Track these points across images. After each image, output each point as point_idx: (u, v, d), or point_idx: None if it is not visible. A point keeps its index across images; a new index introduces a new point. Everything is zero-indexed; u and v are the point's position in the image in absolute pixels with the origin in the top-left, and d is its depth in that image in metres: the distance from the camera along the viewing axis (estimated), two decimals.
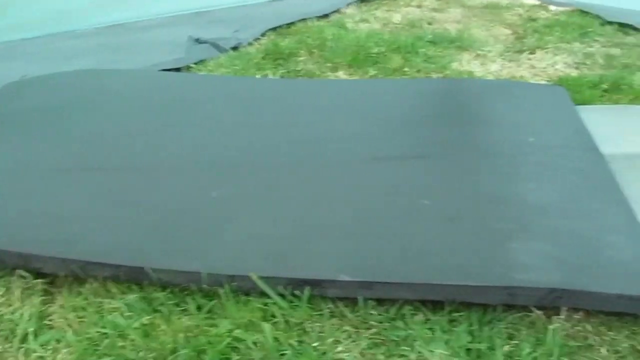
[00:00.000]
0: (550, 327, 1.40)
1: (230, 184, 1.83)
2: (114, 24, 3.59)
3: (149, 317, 1.45)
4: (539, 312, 1.45)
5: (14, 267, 1.61)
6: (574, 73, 2.83)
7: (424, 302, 1.47)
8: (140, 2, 3.56)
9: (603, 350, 1.38)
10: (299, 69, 2.87)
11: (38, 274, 1.60)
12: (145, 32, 3.51)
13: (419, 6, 3.83)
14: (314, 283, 1.45)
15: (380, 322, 1.43)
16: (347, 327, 1.42)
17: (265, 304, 1.46)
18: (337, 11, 3.70)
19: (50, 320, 1.50)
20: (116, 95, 2.50)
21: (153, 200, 1.77)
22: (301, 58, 2.97)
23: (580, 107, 2.35)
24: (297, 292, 1.46)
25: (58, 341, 1.43)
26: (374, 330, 1.42)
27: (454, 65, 2.91)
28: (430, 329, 1.42)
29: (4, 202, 1.79)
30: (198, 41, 3.27)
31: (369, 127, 2.16)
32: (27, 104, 2.48)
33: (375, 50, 2.97)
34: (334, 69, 2.84)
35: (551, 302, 1.43)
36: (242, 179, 1.86)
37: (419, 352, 1.36)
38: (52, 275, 1.59)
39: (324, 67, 2.86)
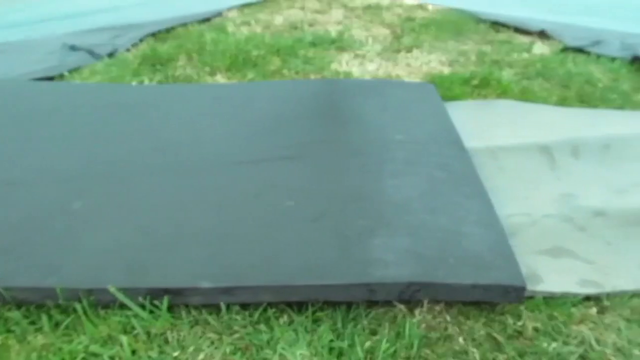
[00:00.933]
0: (411, 320, 1.44)
1: (90, 195, 1.77)
2: None
3: (0, 338, 1.39)
4: (402, 307, 1.49)
5: None
6: (447, 70, 2.93)
7: (289, 304, 1.48)
8: (12, 7, 3.39)
9: (461, 340, 1.43)
10: (177, 74, 2.82)
11: None
12: (13, 38, 3.36)
13: (301, 8, 3.86)
14: (174, 292, 1.43)
15: (244, 327, 1.43)
16: (210, 334, 1.41)
17: (127, 317, 1.43)
18: (219, 15, 3.67)
19: None
20: None
21: (7, 215, 1.69)
22: (180, 63, 2.93)
23: (449, 104, 2.44)
24: (157, 303, 1.43)
25: None
26: (237, 335, 1.41)
27: (333, 66, 2.95)
28: (294, 330, 1.43)
29: None
30: (73, 48, 3.16)
31: (239, 130, 2.16)
32: None
33: (255, 53, 2.97)
34: (212, 73, 2.82)
35: (410, 295, 1.47)
36: (104, 189, 1.81)
37: (281, 354, 1.37)
38: None
39: (203, 71, 2.83)
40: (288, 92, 2.50)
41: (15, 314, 1.44)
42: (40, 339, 1.38)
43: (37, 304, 1.45)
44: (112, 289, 1.41)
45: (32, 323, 1.43)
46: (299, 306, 1.48)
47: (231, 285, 1.44)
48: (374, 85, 2.61)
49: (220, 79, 2.76)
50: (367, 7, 3.91)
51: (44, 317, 1.42)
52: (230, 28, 3.38)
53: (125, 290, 1.42)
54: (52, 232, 1.61)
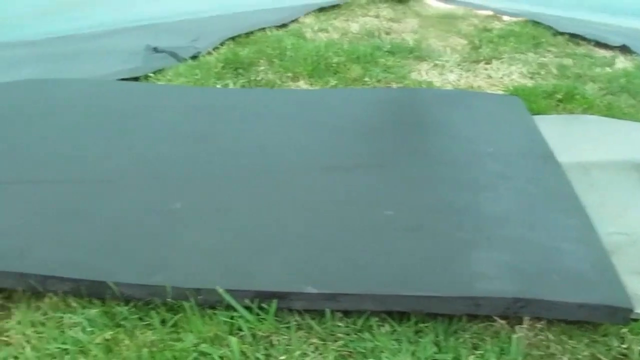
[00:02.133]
0: (514, 336, 1.43)
1: (188, 196, 1.80)
2: (67, 33, 3.50)
3: (111, 332, 1.42)
4: (503, 322, 1.48)
5: None
6: (529, 83, 2.89)
7: (390, 313, 1.48)
8: (94, 11, 3.48)
9: (565, 359, 1.41)
10: (259, 78, 2.85)
11: None
12: (99, 40, 3.44)
13: (376, 16, 3.86)
14: (280, 296, 1.44)
15: (347, 334, 1.44)
16: (314, 340, 1.42)
17: (232, 318, 1.44)
18: (295, 21, 3.70)
19: (6, 336, 1.45)
20: (69, 105, 2.43)
21: (108, 212, 1.73)
22: (261, 68, 2.96)
23: (536, 117, 2.41)
24: (263, 305, 1.45)
25: (16, 358, 1.39)
26: (341, 342, 1.42)
27: (413, 75, 2.95)
28: (396, 340, 1.43)
29: None
30: (155, 50, 3.22)
31: (325, 136, 2.16)
32: None
33: (335, 60, 2.98)
34: (295, 79, 2.84)
35: (515, 311, 1.45)
36: (200, 190, 1.83)
37: None
38: (8, 290, 1.55)
39: (285, 76, 2.86)
40: (372, 100, 2.51)
41: (124, 309, 1.48)
42: (149, 335, 1.41)
43: (144, 301, 1.48)
44: (220, 290, 1.43)
45: (140, 319, 1.46)
46: (400, 316, 1.48)
47: (336, 292, 1.45)
48: (459, 96, 2.60)
49: (302, 84, 2.78)
50: (442, 17, 3.89)
51: (154, 314, 1.45)
52: (308, 34, 3.40)
53: (232, 292, 1.44)
54: (155, 231, 1.65)
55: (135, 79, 2.92)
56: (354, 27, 3.59)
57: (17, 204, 1.76)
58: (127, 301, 1.49)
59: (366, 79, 2.83)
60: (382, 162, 2.00)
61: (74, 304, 1.50)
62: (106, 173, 1.91)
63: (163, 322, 1.45)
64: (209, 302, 1.46)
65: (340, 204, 1.78)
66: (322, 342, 1.42)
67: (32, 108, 2.41)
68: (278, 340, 1.41)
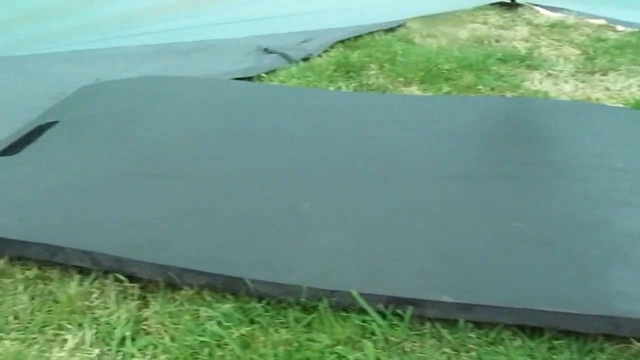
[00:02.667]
0: None
1: (315, 197, 1.82)
2: (180, 29, 3.60)
3: (247, 328, 1.45)
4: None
5: (107, 270, 1.63)
6: None
7: (522, 328, 1.45)
8: (206, 10, 3.56)
9: None
10: (370, 82, 2.86)
11: (131, 278, 1.62)
12: (211, 38, 3.53)
13: (484, 23, 3.81)
14: (414, 303, 1.43)
15: (480, 346, 1.41)
16: (446, 349, 1.41)
17: (364, 321, 1.45)
18: (402, 25, 3.69)
19: (145, 325, 1.51)
20: (189, 103, 2.52)
21: (240, 210, 1.77)
22: (372, 71, 2.97)
23: None
24: (396, 311, 1.45)
25: (155, 347, 1.44)
26: (473, 353, 1.40)
27: (526, 84, 2.89)
28: (530, 355, 1.39)
29: (90, 206, 1.81)
30: (267, 51, 3.28)
31: (443, 144, 2.14)
32: (101, 108, 2.51)
33: (446, 66, 2.96)
34: (407, 84, 2.84)
35: None
36: (325, 192, 1.85)
37: None
38: (146, 280, 1.61)
39: (396, 81, 2.85)
40: (488, 108, 2.47)
41: (258, 306, 1.51)
42: (284, 334, 1.44)
43: (277, 299, 1.51)
44: (354, 293, 1.43)
45: (273, 317, 1.49)
46: (532, 331, 1.45)
47: (471, 302, 1.43)
48: (580, 108, 2.52)
49: (415, 90, 2.77)
50: (553, 25, 3.79)
51: (287, 313, 1.48)
52: (417, 39, 3.39)
53: (365, 296, 1.44)
54: (285, 230, 1.68)
55: (249, 78, 2.98)
56: (463, 33, 3.55)
57: (155, 197, 1.83)
58: (260, 298, 1.52)
59: (479, 86, 2.79)
60: (504, 173, 1.97)
61: (208, 298, 1.55)
62: (234, 171, 1.96)
63: (297, 321, 1.47)
64: (342, 305, 1.47)
65: (466, 213, 1.76)
66: (455, 352, 1.40)
67: (154, 104, 2.51)
68: (410, 347, 1.41)
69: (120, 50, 3.36)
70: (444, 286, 1.46)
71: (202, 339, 1.44)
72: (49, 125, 2.32)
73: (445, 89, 2.76)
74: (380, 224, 1.70)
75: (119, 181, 1.92)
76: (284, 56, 3.19)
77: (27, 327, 1.52)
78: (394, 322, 1.44)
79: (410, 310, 1.42)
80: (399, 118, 2.34)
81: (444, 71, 2.93)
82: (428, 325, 1.46)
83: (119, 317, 1.52)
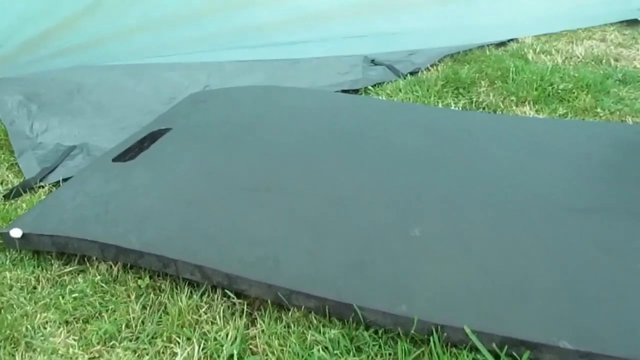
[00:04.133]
0: None
1: (427, 223, 1.76)
2: (288, 44, 3.62)
3: (354, 358, 1.42)
4: None
5: (216, 286, 1.64)
6: None
7: None
8: (310, 24, 3.58)
9: None
10: (480, 100, 2.77)
11: (239, 295, 1.62)
12: (317, 49, 3.52)
13: (602, 40, 3.62)
14: (530, 346, 1.36)
15: None
16: None
17: (474, 359, 1.39)
18: (514, 40, 3.57)
19: (252, 344, 1.51)
20: (297, 115, 2.52)
21: (349, 232, 1.74)
22: (482, 89, 2.88)
23: None
24: (511, 352, 1.38)
25: None
26: None
27: None
28: None
29: (203, 218, 1.83)
30: (374, 62, 3.25)
31: (564, 172, 2.02)
32: (212, 116, 2.56)
33: (562, 86, 2.82)
34: (519, 104, 2.73)
35: None
36: (439, 218, 1.79)
37: None
38: (253, 297, 1.61)
39: (508, 100, 2.75)
40: (609, 135, 2.32)
41: (364, 334, 1.47)
42: None
43: (385, 329, 1.47)
44: (467, 330, 1.38)
45: (380, 347, 1.45)
46: None
47: (592, 350, 1.33)
48: None
49: (528, 110, 2.66)
50: None
51: (398, 344, 1.43)
52: (530, 56, 3.26)
53: (478, 334, 1.38)
54: (397, 256, 1.63)
55: (355, 91, 2.96)
56: (579, 50, 3.38)
57: (266, 212, 1.83)
58: (367, 326, 1.49)
59: (598, 109, 2.64)
60: (629, 208, 1.83)
61: (315, 321, 1.53)
62: (344, 189, 1.93)
63: (405, 354, 1.42)
64: (453, 340, 1.41)
65: (590, 250, 1.65)
66: None
67: (262, 115, 2.53)
68: None
69: (228, 61, 3.42)
70: (564, 330, 1.38)
71: None
72: (161, 132, 2.38)
73: (561, 110, 2.63)
74: (496, 256, 1.63)
75: (231, 194, 1.94)
76: (391, 69, 3.15)
77: (138, 337, 1.56)
78: None
79: (526, 354, 1.35)
80: (514, 141, 2.24)
81: (559, 91, 2.80)
82: None
83: (227, 334, 1.53)
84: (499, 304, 1.47)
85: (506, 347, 1.37)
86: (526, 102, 2.73)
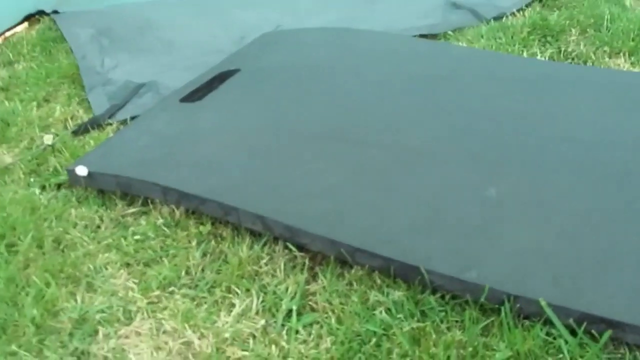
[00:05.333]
0: None
1: (502, 182, 1.64)
2: None
3: (418, 323, 1.35)
4: None
5: (278, 237, 1.59)
6: None
7: None
8: None
9: None
10: (570, 49, 2.58)
11: (301, 248, 1.57)
12: None
13: None
14: (613, 324, 1.25)
15: None
16: None
17: (549, 334, 1.29)
18: None
19: (312, 301, 1.46)
20: (370, 61, 2.40)
21: (419, 188, 1.65)
22: (572, 37, 2.67)
23: None
24: (591, 330, 1.27)
25: (321, 326, 1.38)
26: None
27: None
28: None
29: (267, 167, 1.78)
30: (455, 5, 3.07)
31: None
32: (282, 59, 2.47)
33: None
34: (613, 55, 2.52)
35: None
36: (516, 177, 1.67)
37: None
38: (315, 252, 1.55)
39: (601, 51, 2.55)
40: None
41: (430, 299, 1.39)
42: (458, 334, 1.32)
43: (453, 295, 1.39)
44: (542, 303, 1.28)
45: (446, 313, 1.37)
46: None
47: None
48: None
49: (622, 63, 2.46)
50: None
51: (464, 312, 1.35)
52: (628, 2, 3.00)
53: (555, 308, 1.28)
54: (467, 218, 1.54)
55: (434, 36, 2.81)
56: None
57: (332, 163, 1.76)
58: (434, 290, 1.40)
59: None
60: None
61: (378, 281, 1.46)
62: (418, 141, 1.84)
63: (474, 322, 1.34)
64: (526, 312, 1.32)
65: None
66: None
67: (334, 60, 2.43)
68: None
69: None
70: None
71: (370, 327, 1.36)
72: (230, 73, 2.32)
73: None
74: (579, 223, 1.50)
75: (297, 142, 1.87)
76: (474, 13, 2.96)
77: (197, 285, 1.53)
78: (584, 342, 1.27)
79: (607, 333, 1.24)
80: (605, 97, 2.06)
81: None
82: (623, 350, 1.27)
83: (286, 289, 1.48)
84: (579, 276, 1.35)
85: (585, 323, 1.26)
86: (621, 54, 2.53)
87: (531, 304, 1.30)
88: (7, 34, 3.16)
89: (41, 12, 3.31)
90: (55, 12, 3.27)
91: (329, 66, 2.36)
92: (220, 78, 2.29)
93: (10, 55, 2.91)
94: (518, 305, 1.31)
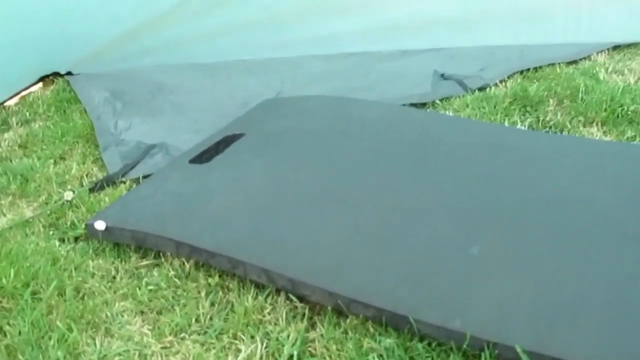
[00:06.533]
0: None
1: (484, 239, 1.82)
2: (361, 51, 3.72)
3: None
4: None
5: (280, 289, 1.75)
6: None
7: None
8: (387, 36, 3.67)
9: None
10: (547, 119, 2.79)
11: (302, 299, 1.72)
12: (390, 61, 3.61)
13: None
14: None
15: None
16: None
17: None
18: (587, 58, 3.54)
19: (311, 347, 1.61)
20: (365, 127, 2.60)
21: (409, 245, 1.82)
22: (550, 107, 2.89)
23: None
24: None
25: None
26: None
27: None
28: None
29: (271, 223, 1.95)
30: (443, 76, 3.30)
31: (628, 198, 2.01)
32: (283, 124, 2.67)
33: (632, 107, 2.80)
34: (587, 124, 2.73)
35: None
36: (495, 235, 1.84)
37: None
38: (315, 303, 1.71)
39: (576, 120, 2.76)
40: None
41: (419, 346, 1.55)
42: None
43: (439, 342, 1.54)
44: (518, 350, 1.43)
45: (432, 359, 1.52)
46: None
47: None
48: None
49: (595, 131, 2.66)
50: None
51: (450, 358, 1.50)
52: (602, 75, 3.24)
53: (530, 353, 1.44)
54: (452, 272, 1.70)
55: (423, 104, 3.02)
56: None
57: (331, 221, 1.94)
58: (422, 337, 1.56)
59: None
60: None
61: (372, 329, 1.61)
62: (408, 203, 2.01)
63: None
64: (503, 358, 1.46)
65: None
66: None
67: (333, 126, 2.63)
68: None
69: (304, 63, 3.55)
70: (616, 354, 1.42)
71: None
72: (236, 137, 2.52)
73: (630, 133, 2.62)
74: (553, 277, 1.66)
75: (299, 201, 2.06)
76: (460, 83, 3.19)
77: (206, 332, 1.68)
78: None
79: None
80: (578, 163, 2.26)
81: (629, 113, 2.78)
82: None
83: (288, 336, 1.63)
84: (552, 325, 1.50)
85: None
86: (594, 123, 2.73)
87: (509, 350, 1.45)
88: (23, 93, 3.37)
89: (56, 74, 3.52)
90: (70, 73, 3.50)
91: (327, 131, 2.56)
92: (226, 141, 2.49)
93: (27, 114, 3.12)
94: (497, 351, 1.47)
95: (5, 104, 3.23)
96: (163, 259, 1.95)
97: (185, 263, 1.91)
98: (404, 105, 2.98)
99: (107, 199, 2.30)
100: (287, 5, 3.47)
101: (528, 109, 2.90)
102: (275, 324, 1.68)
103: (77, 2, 3.05)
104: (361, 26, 3.59)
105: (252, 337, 1.64)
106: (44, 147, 2.75)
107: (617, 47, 3.68)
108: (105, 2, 3.17)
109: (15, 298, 1.80)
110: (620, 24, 3.69)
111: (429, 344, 1.55)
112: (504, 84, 3.21)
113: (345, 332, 1.63)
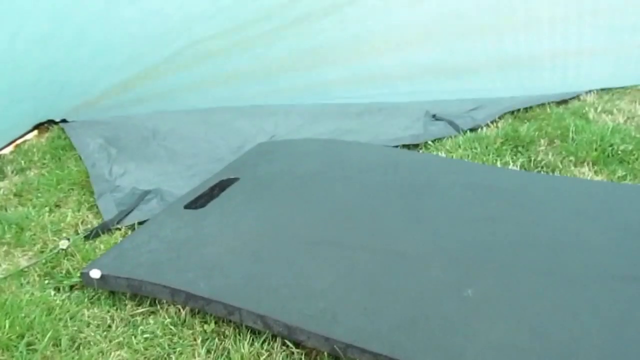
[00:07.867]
0: None
1: (478, 282, 1.83)
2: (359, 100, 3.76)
3: None
4: None
5: (276, 335, 1.75)
6: None
7: None
8: (378, 83, 3.74)
9: None
10: (539, 159, 2.83)
11: (298, 345, 1.72)
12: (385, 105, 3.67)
13: None
14: None
15: None
16: None
17: None
18: (576, 97, 3.60)
19: None
20: (358, 170, 2.64)
21: (404, 289, 1.83)
22: (541, 147, 2.93)
23: None
24: None
25: None
26: None
27: None
28: None
29: (267, 269, 1.95)
30: (435, 117, 3.34)
31: (619, 239, 2.04)
32: (277, 168, 2.70)
33: (622, 147, 2.84)
34: (578, 164, 2.77)
35: None
36: (490, 278, 1.86)
37: None
38: (311, 348, 1.71)
39: (567, 160, 2.79)
40: None
41: None
42: None
43: None
44: None
45: None
46: None
47: None
48: None
49: (586, 171, 2.69)
50: None
51: None
52: (591, 115, 3.29)
53: None
54: (447, 316, 1.71)
55: (416, 145, 3.05)
56: None
57: (326, 266, 1.95)
58: None
59: None
60: None
61: None
62: (402, 246, 2.03)
63: None
64: None
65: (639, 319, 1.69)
66: None
67: (326, 169, 2.66)
68: None
69: (297, 107, 3.59)
70: None
71: None
72: (230, 182, 2.53)
73: (620, 172, 2.66)
74: (547, 320, 1.68)
75: (293, 246, 2.07)
76: (452, 124, 3.23)
77: None
78: None
79: None
80: (570, 204, 2.29)
81: (619, 152, 2.82)
82: None
83: None
84: None
85: None
86: (585, 163, 2.77)
87: None
88: (18, 141, 3.38)
89: (50, 121, 3.55)
90: (64, 121, 3.52)
91: (320, 175, 2.59)
92: (221, 186, 2.51)
93: (22, 162, 3.13)
94: None
95: (1, 152, 3.24)
96: (159, 306, 1.94)
97: (181, 310, 1.91)
98: (396, 146, 3.01)
99: (102, 246, 2.30)
100: (277, 54, 3.51)
101: (519, 149, 2.94)
102: None
103: (72, 51, 3.07)
104: (352, 73, 3.64)
105: None
106: (39, 195, 2.76)
107: (606, 89, 3.74)
108: (99, 52, 3.20)
109: (10, 350, 1.79)
110: (607, 70, 3.77)
111: None
112: (495, 124, 3.25)
113: None
